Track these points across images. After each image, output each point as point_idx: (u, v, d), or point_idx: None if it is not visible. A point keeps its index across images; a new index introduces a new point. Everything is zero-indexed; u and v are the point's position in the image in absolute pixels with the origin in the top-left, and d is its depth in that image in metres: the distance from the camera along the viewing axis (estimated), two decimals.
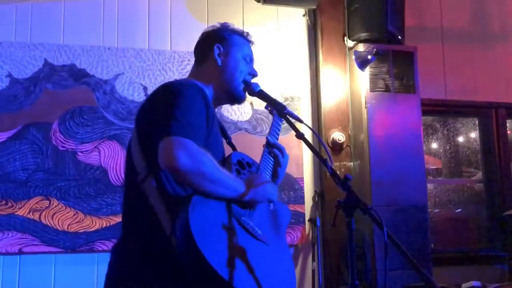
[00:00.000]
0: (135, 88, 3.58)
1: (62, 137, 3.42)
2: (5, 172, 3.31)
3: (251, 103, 3.72)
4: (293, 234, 3.63)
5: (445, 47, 4.24)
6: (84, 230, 3.34)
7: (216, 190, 1.55)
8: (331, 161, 1.64)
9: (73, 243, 3.31)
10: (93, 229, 3.35)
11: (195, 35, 1.98)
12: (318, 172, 3.79)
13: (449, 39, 4.26)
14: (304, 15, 3.97)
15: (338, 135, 3.75)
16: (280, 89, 3.78)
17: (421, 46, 3.87)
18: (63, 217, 3.33)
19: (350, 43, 3.82)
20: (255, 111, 3.74)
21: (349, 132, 3.79)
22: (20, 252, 3.26)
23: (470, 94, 4.23)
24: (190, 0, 3.80)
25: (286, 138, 3.32)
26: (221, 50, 1.87)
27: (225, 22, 1.97)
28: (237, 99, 1.90)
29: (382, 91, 3.67)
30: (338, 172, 1.64)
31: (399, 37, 3.72)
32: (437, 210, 4.26)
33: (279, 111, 1.83)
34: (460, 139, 4.54)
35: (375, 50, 3.54)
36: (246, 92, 1.89)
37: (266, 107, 1.95)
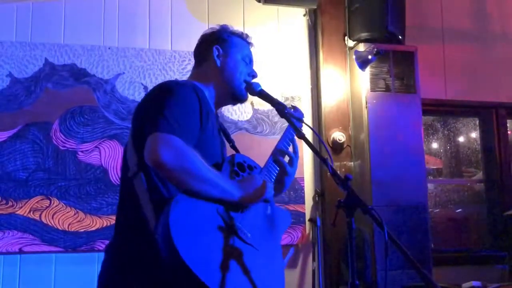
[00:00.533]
0: (136, 87, 3.58)
1: (63, 136, 3.42)
2: (6, 171, 3.31)
3: (252, 103, 3.72)
4: (294, 234, 3.63)
5: (445, 47, 4.24)
6: (85, 229, 3.34)
7: (203, 189, 1.51)
8: (331, 160, 1.63)
9: (73, 242, 3.32)
10: (93, 228, 3.35)
11: (195, 35, 1.99)
12: (318, 172, 3.79)
13: (449, 39, 4.26)
14: (304, 15, 3.97)
15: (338, 135, 3.75)
16: (281, 89, 3.78)
17: (421, 46, 3.87)
18: (64, 217, 3.33)
19: (350, 43, 3.82)
20: (255, 111, 3.74)
21: (350, 132, 3.79)
22: (21, 252, 3.26)
23: (470, 94, 4.23)
24: (191, 0, 3.80)
25: None
26: (220, 52, 1.87)
27: (224, 24, 1.97)
28: (239, 99, 1.90)
29: (383, 91, 3.67)
30: (338, 172, 1.63)
31: (400, 37, 3.72)
32: (437, 210, 4.26)
33: (279, 110, 1.82)
34: (461, 139, 4.54)
35: (375, 50, 3.54)
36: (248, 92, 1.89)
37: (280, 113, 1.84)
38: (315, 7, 3.88)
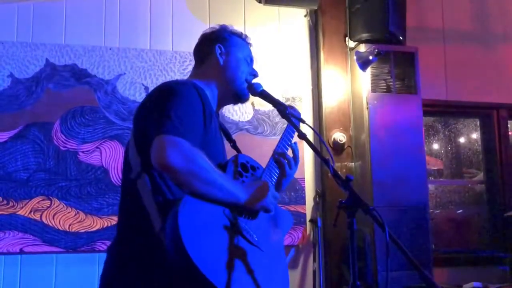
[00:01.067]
0: (137, 88, 3.58)
1: (64, 137, 3.42)
2: (7, 172, 3.32)
3: (253, 103, 3.72)
4: (294, 234, 3.63)
5: (446, 47, 4.23)
6: (85, 230, 3.35)
7: (209, 192, 1.51)
8: (333, 161, 1.63)
9: (74, 243, 3.32)
10: (94, 229, 3.35)
11: (196, 36, 1.99)
12: (319, 172, 3.79)
13: (450, 40, 4.26)
14: (305, 16, 3.97)
15: (339, 136, 3.75)
16: (281, 89, 3.78)
17: (422, 46, 3.86)
18: (64, 217, 3.33)
19: (351, 43, 3.82)
20: (256, 111, 3.74)
21: (350, 132, 3.79)
22: (21, 252, 3.26)
23: (471, 95, 4.22)
24: (192, 0, 3.80)
25: None
26: (222, 50, 1.87)
27: (224, 24, 1.97)
28: (241, 98, 1.90)
29: (384, 91, 3.67)
30: (339, 173, 1.63)
31: (401, 37, 3.72)
32: (438, 211, 4.26)
33: (280, 111, 1.82)
34: (462, 140, 4.53)
35: (376, 50, 3.54)
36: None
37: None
38: (316, 7, 3.88)
